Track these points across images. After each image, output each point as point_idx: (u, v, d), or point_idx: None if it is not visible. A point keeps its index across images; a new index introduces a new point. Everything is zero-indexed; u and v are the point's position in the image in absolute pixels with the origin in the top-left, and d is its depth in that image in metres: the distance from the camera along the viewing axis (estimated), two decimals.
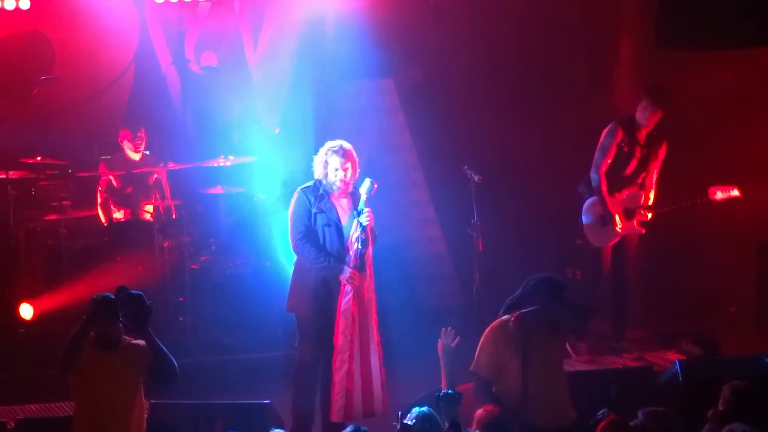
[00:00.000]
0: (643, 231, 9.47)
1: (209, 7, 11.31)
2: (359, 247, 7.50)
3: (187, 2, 11.09)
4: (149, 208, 10.29)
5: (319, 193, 7.63)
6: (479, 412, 5.97)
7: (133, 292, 6.42)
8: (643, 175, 9.41)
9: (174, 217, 10.39)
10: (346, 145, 7.66)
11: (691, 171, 10.09)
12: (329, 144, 7.68)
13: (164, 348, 6.49)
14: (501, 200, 10.58)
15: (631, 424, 5.85)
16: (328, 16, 11.22)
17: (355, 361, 7.53)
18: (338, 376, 7.50)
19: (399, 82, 11.48)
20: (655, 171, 9.42)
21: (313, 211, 7.61)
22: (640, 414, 5.87)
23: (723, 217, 10.30)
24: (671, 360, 8.73)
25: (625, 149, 9.34)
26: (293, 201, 7.70)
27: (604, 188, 9.37)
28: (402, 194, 11.34)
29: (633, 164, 9.35)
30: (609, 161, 9.37)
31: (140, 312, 6.39)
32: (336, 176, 7.59)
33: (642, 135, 9.34)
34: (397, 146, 11.47)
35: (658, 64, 10.35)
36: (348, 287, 7.52)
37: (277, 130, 11.23)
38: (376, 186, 7.56)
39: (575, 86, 11.16)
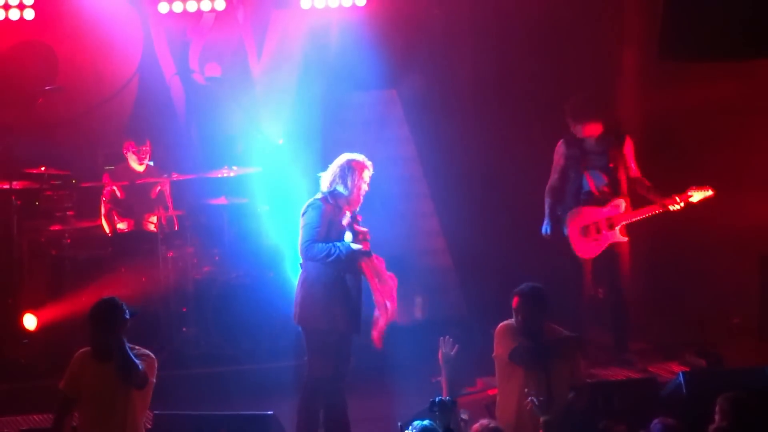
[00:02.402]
0: (626, 238, 9.37)
1: (213, 18, 11.30)
2: None
3: (191, 13, 11.07)
4: (153, 218, 10.29)
5: (336, 205, 7.55)
6: (475, 426, 6.01)
7: (105, 298, 6.50)
8: (610, 183, 9.36)
9: (177, 227, 10.38)
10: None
11: (693, 182, 10.07)
12: (355, 156, 7.64)
13: (129, 354, 6.36)
14: (506, 211, 10.58)
15: None
16: (331, 26, 11.25)
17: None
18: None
19: (403, 93, 11.48)
20: (627, 173, 9.37)
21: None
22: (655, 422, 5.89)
23: (725, 229, 10.30)
24: (675, 371, 8.74)
25: (573, 164, 9.37)
26: (315, 210, 7.52)
27: (548, 209, 9.47)
28: (406, 205, 11.34)
29: (592, 176, 9.34)
30: (555, 178, 9.47)
31: (112, 314, 6.41)
32: (361, 190, 7.58)
33: (591, 144, 9.34)
34: (400, 157, 11.45)
35: (662, 75, 10.35)
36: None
37: (281, 141, 11.23)
38: None
39: None
